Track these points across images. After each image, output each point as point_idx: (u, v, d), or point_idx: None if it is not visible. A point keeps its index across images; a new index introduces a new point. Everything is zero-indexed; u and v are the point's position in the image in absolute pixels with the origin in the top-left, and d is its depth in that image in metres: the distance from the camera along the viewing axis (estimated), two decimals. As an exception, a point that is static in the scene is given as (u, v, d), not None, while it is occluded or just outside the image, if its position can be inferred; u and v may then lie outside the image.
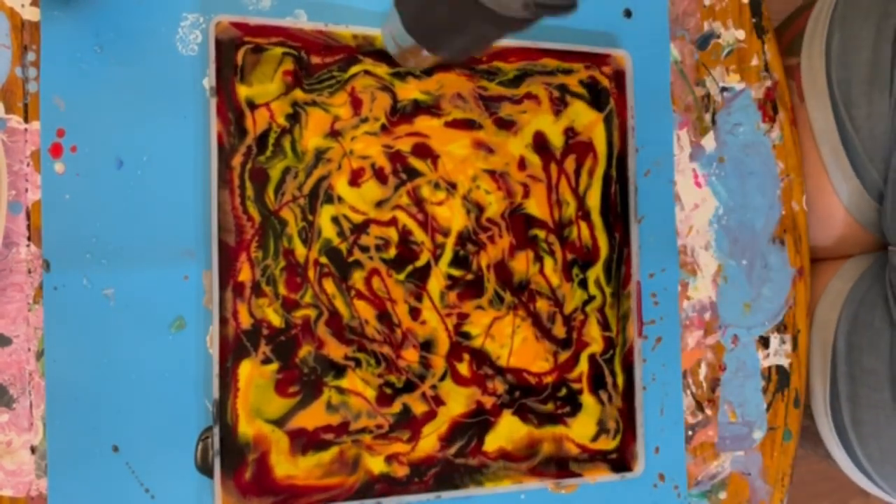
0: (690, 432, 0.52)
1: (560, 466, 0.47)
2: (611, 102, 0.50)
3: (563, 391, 0.48)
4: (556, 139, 0.49)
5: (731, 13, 0.54)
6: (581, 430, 0.48)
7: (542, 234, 0.48)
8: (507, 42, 0.48)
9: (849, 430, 0.54)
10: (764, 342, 0.54)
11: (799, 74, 0.56)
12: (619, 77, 0.50)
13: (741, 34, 0.54)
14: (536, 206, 0.48)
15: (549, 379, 0.48)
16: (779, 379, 0.54)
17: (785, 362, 0.54)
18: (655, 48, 0.52)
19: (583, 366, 0.48)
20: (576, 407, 0.48)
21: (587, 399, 0.48)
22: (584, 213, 0.49)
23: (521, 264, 0.48)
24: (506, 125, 0.48)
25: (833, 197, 0.56)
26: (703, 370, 0.52)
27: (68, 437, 0.41)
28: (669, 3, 0.53)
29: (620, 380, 0.49)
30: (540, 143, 0.48)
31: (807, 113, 0.55)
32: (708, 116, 0.53)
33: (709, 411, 0.52)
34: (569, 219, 0.49)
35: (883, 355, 0.51)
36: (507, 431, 0.47)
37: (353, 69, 0.45)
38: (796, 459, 0.55)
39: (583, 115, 0.49)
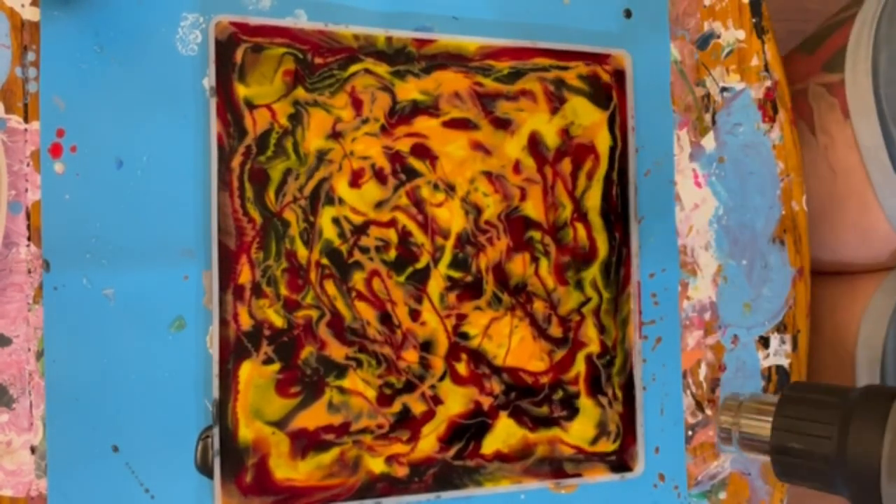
0: (690, 432, 0.52)
1: (558, 468, 0.47)
2: (614, 99, 0.50)
3: (560, 392, 0.48)
4: (553, 139, 0.49)
5: (731, 13, 0.54)
6: (579, 432, 0.48)
7: (537, 235, 0.48)
8: (502, 42, 0.48)
9: None
10: (764, 342, 0.54)
11: (843, 92, 0.56)
12: (619, 77, 0.50)
13: (741, 34, 0.54)
14: (533, 208, 0.48)
15: (545, 379, 0.48)
16: (779, 379, 0.54)
17: (785, 362, 0.54)
18: (655, 48, 0.52)
19: (580, 366, 0.48)
20: (573, 409, 0.48)
21: (585, 401, 0.48)
22: (580, 215, 0.49)
23: (519, 266, 0.48)
24: (502, 124, 0.48)
25: (878, 212, 0.56)
26: (703, 370, 0.52)
27: (68, 437, 0.41)
28: (669, 3, 0.53)
29: (620, 381, 0.49)
30: (536, 145, 0.48)
31: (852, 130, 0.55)
32: (708, 116, 0.53)
33: (709, 411, 0.52)
34: (564, 220, 0.49)
35: None
36: (505, 435, 0.47)
37: (353, 68, 0.45)
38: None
39: (583, 114, 0.49)
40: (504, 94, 0.48)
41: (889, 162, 0.54)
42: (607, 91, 0.50)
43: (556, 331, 0.48)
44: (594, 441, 0.48)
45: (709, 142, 0.53)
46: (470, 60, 0.47)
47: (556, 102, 0.49)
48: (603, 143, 0.49)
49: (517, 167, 0.48)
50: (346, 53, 0.45)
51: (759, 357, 0.54)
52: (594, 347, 0.49)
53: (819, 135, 0.57)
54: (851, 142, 0.55)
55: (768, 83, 0.55)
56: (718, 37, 0.54)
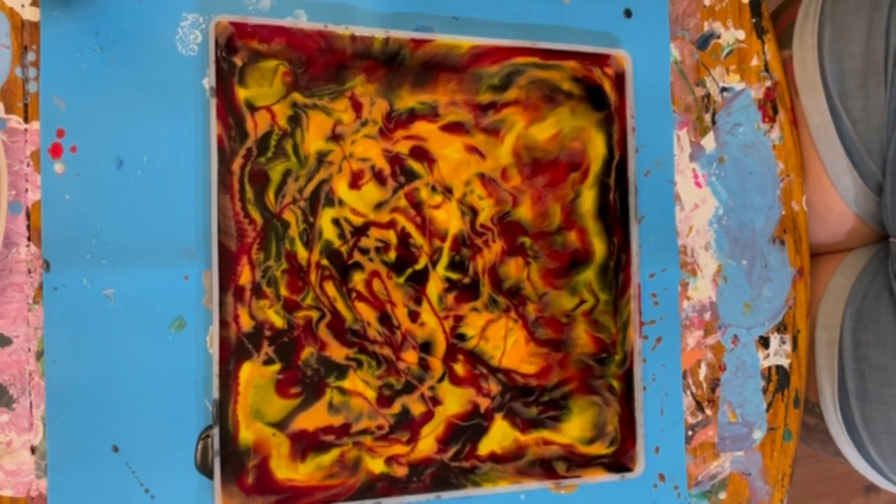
0: (690, 432, 0.52)
1: (555, 468, 0.47)
2: (610, 102, 0.50)
3: (556, 394, 0.48)
4: (546, 143, 0.49)
5: (731, 13, 0.54)
6: (573, 433, 0.48)
7: (527, 241, 0.48)
8: (500, 41, 0.48)
9: (859, 427, 0.53)
10: (764, 342, 0.54)
11: (791, 68, 0.56)
12: (619, 77, 0.50)
13: (741, 34, 0.54)
14: (525, 213, 0.48)
15: (540, 381, 0.48)
16: (779, 379, 0.54)
17: (785, 362, 0.54)
18: (655, 48, 0.52)
19: (575, 368, 0.48)
20: (569, 410, 0.48)
21: (581, 402, 0.48)
22: (575, 219, 0.49)
23: (512, 269, 0.48)
24: (494, 132, 0.48)
25: (831, 191, 0.56)
26: (703, 370, 0.52)
27: (68, 437, 0.41)
28: (669, 3, 0.53)
29: (619, 382, 0.49)
30: (526, 150, 0.48)
31: (801, 107, 0.55)
32: (708, 116, 0.53)
33: (709, 411, 0.52)
34: (557, 225, 0.48)
35: (890, 350, 0.51)
36: (500, 436, 0.47)
37: (350, 83, 0.45)
38: (797, 459, 0.55)
39: (578, 115, 0.49)
40: (496, 98, 0.48)
41: (837, 138, 0.53)
42: (604, 92, 0.50)
43: (547, 334, 0.48)
44: (590, 442, 0.48)
45: (709, 142, 0.53)
46: (465, 66, 0.47)
47: (549, 104, 0.49)
48: (597, 144, 0.49)
49: (505, 173, 0.48)
50: (344, 59, 0.45)
51: (759, 357, 0.54)
52: (588, 349, 0.49)
53: None
54: (802, 120, 0.55)
55: (768, 83, 0.55)
56: (718, 37, 0.54)
